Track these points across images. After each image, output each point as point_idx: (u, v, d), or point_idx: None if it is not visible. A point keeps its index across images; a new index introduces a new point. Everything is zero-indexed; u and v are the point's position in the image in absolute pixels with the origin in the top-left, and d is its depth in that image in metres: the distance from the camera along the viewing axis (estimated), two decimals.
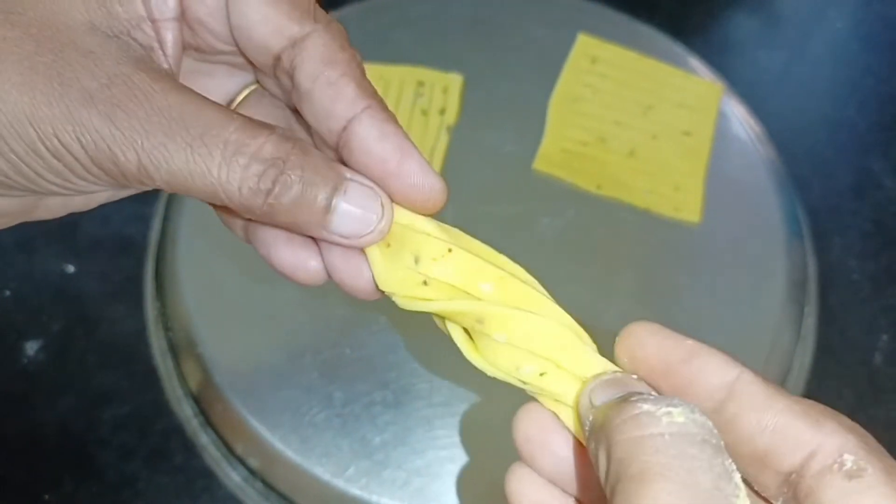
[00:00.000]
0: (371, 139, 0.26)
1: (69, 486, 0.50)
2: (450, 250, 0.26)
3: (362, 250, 0.27)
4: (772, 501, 0.24)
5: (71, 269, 0.56)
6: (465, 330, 0.27)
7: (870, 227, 0.62)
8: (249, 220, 0.27)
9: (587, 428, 0.24)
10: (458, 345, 0.27)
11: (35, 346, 0.54)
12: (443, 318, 0.27)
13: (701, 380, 0.24)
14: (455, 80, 0.60)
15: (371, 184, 0.26)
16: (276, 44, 0.26)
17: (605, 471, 0.22)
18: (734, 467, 0.21)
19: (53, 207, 0.29)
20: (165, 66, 0.26)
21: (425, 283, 0.26)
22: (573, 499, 0.27)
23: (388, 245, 0.27)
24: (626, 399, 0.23)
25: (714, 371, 0.24)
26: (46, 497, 0.49)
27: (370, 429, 0.48)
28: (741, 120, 0.62)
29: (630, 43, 0.64)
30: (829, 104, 0.68)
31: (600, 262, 0.54)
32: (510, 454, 0.27)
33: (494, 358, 0.26)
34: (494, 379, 0.27)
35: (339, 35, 0.27)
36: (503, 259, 0.27)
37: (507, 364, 0.26)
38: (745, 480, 0.22)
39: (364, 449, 0.48)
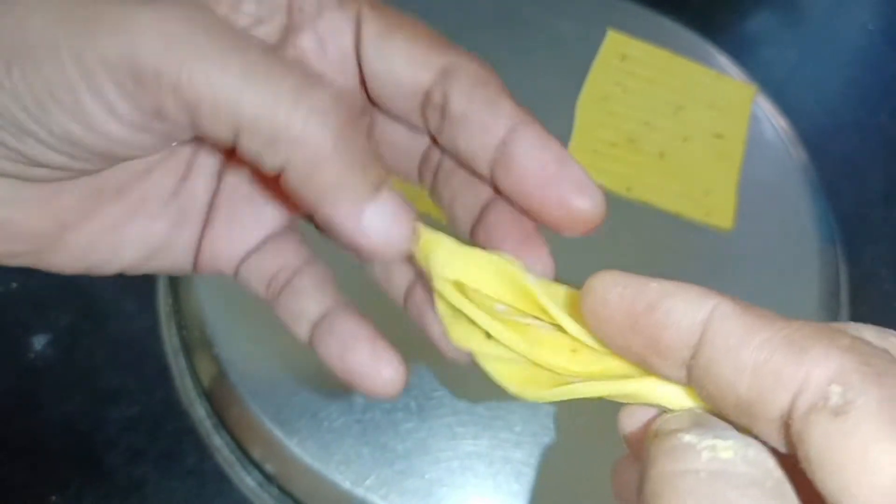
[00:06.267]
0: (533, 147, 0.24)
1: (76, 488, 0.48)
2: (574, 350, 0.23)
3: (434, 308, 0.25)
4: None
5: None
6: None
7: None
8: (277, 176, 0.24)
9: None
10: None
11: (42, 340, 0.52)
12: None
13: (670, 326, 0.20)
14: None
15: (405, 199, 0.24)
16: (427, 78, 0.25)
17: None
18: None
19: (71, 249, 0.27)
20: None
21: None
22: None
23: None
24: (677, 430, 0.20)
25: (684, 311, 0.20)
26: (52, 499, 0.48)
27: (392, 436, 0.46)
28: (772, 122, 0.60)
29: (659, 40, 0.62)
30: (860, 109, 0.66)
31: (629, 269, 0.53)
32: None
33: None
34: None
35: (484, 62, 0.26)
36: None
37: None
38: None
39: (385, 457, 0.46)
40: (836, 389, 0.17)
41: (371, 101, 0.27)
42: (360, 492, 0.45)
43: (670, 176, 0.56)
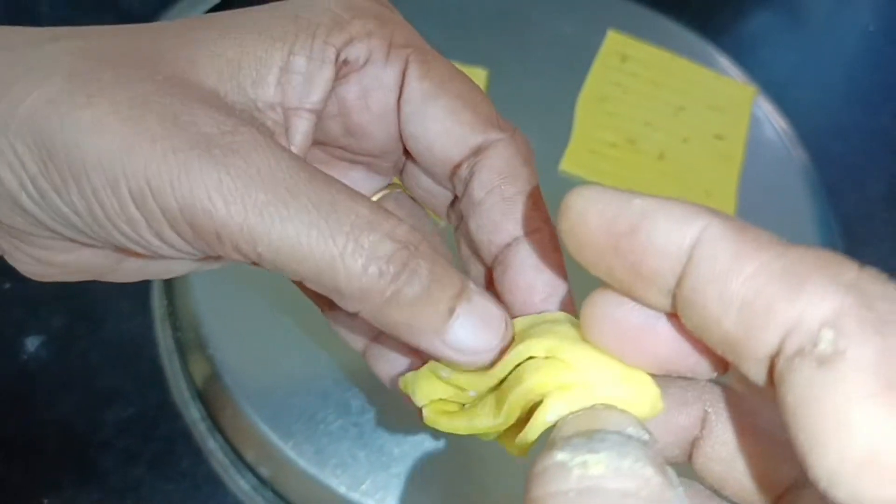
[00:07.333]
0: (528, 268, 0.25)
1: (69, 490, 0.48)
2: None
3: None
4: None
5: None
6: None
7: None
8: (354, 314, 0.23)
9: None
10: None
11: (36, 341, 0.51)
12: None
13: (653, 251, 0.18)
14: (479, 76, 0.58)
15: (492, 297, 0.24)
16: (458, 154, 0.25)
17: None
18: None
19: (129, 271, 0.27)
20: None
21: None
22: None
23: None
24: (552, 447, 0.19)
25: (669, 234, 0.17)
26: (45, 501, 0.47)
27: (388, 439, 0.46)
28: (773, 123, 0.60)
29: (659, 41, 0.61)
30: (862, 110, 0.66)
31: None
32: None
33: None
34: None
35: (523, 147, 0.26)
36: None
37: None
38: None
39: (381, 460, 0.45)
40: (826, 335, 0.15)
41: (405, 151, 0.27)
42: (355, 496, 0.45)
43: (670, 177, 0.55)
